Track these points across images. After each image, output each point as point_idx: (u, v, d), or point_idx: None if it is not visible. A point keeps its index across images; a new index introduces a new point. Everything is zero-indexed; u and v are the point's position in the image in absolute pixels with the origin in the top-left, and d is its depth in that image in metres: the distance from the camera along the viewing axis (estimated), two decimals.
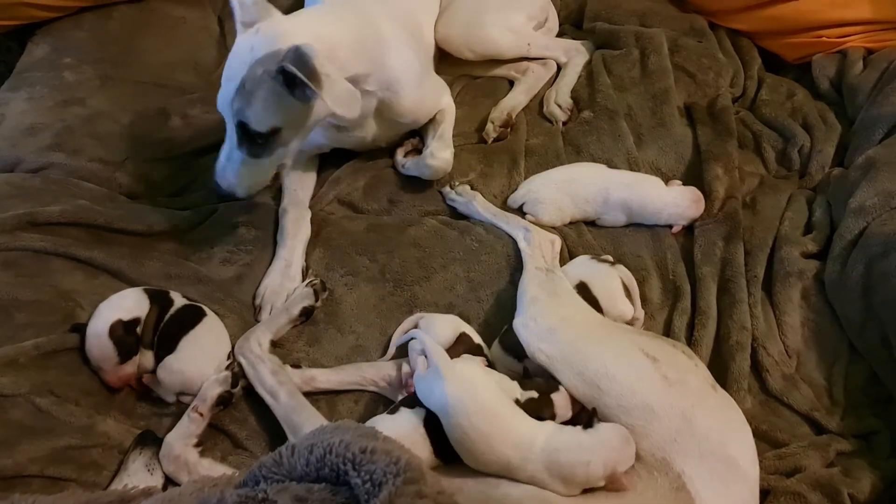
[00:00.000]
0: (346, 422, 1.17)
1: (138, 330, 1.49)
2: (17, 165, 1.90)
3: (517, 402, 1.34)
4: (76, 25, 2.27)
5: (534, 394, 1.36)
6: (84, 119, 2.00)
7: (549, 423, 1.31)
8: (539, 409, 1.33)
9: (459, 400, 1.29)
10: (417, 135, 2.00)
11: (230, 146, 1.62)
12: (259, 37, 1.54)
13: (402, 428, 1.33)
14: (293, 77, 1.46)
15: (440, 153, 1.87)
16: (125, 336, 1.47)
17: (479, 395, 1.30)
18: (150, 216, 1.78)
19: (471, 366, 1.41)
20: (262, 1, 1.60)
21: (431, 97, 1.95)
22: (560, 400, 1.35)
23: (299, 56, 1.46)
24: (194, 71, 2.23)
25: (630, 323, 1.62)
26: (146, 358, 1.52)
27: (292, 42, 1.48)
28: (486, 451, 1.26)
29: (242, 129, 1.57)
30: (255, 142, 1.58)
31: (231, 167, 1.62)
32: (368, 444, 0.96)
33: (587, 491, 1.26)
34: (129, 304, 1.52)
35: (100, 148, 1.95)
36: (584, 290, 1.59)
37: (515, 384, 1.38)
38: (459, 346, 1.54)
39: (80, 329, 1.51)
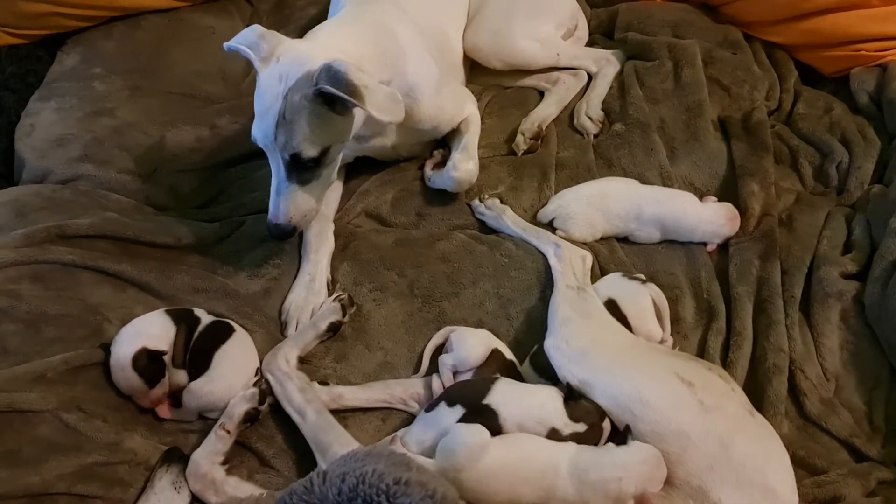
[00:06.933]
0: (378, 447, 1.16)
1: (166, 359, 1.48)
2: (47, 176, 1.92)
3: (554, 430, 1.31)
4: (106, 35, 2.28)
5: (582, 426, 1.32)
6: (113, 130, 2.01)
7: (569, 445, 1.30)
8: (585, 442, 1.31)
9: (468, 482, 1.25)
10: (447, 146, 1.98)
11: (278, 180, 1.58)
12: (284, 64, 1.52)
13: None
14: (332, 95, 1.45)
15: (463, 165, 1.85)
16: (149, 364, 1.46)
17: (484, 465, 1.26)
18: (178, 229, 1.78)
19: (466, 442, 1.29)
20: (268, 33, 1.58)
21: (452, 105, 1.92)
22: (607, 426, 1.34)
23: (333, 73, 1.45)
24: (222, 81, 2.24)
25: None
26: (179, 376, 1.51)
27: (320, 61, 1.47)
28: (514, 497, 1.25)
29: (294, 160, 1.54)
30: (306, 168, 1.56)
31: (285, 201, 1.58)
32: (402, 476, 0.95)
33: None
34: (154, 331, 1.50)
35: (129, 159, 1.97)
36: (613, 307, 1.57)
37: (557, 407, 1.35)
38: (492, 363, 1.52)
39: (109, 350, 1.50)
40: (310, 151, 1.53)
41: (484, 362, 1.52)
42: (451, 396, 1.40)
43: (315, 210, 1.66)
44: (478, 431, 1.30)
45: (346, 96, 1.43)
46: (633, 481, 1.22)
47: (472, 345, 1.54)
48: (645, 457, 1.26)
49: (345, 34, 1.65)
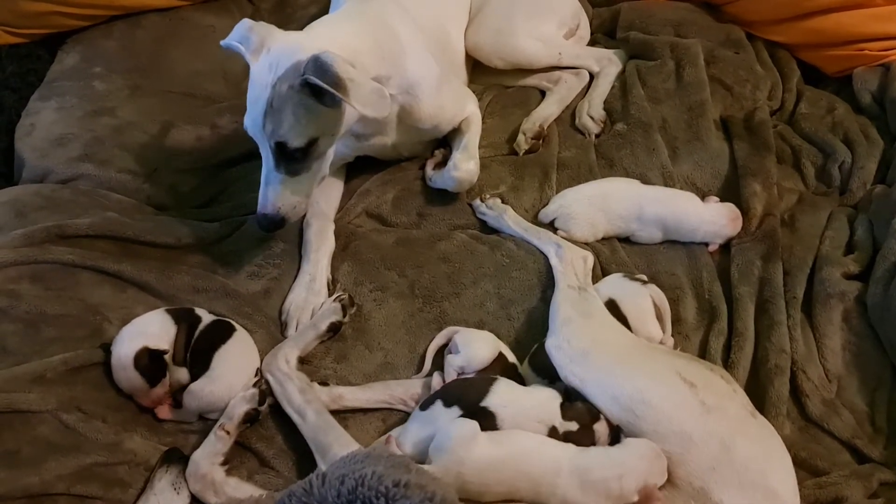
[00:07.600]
0: (378, 449, 1.15)
1: (167, 357, 1.48)
2: (47, 176, 1.91)
3: (554, 429, 1.31)
4: (106, 34, 2.28)
5: (574, 425, 1.33)
6: (113, 129, 2.01)
7: (570, 446, 1.30)
8: (577, 442, 1.31)
9: (469, 475, 1.25)
10: (447, 146, 1.97)
11: (268, 169, 1.59)
12: (274, 54, 1.52)
13: None
14: (317, 87, 1.45)
15: (464, 164, 1.84)
16: (151, 364, 1.46)
17: (484, 455, 1.26)
18: (178, 229, 1.77)
19: (457, 435, 1.29)
20: (257, 25, 1.58)
21: (452, 104, 1.91)
22: (602, 429, 1.33)
23: (320, 65, 1.44)
24: (223, 80, 2.23)
25: None
26: (180, 374, 1.51)
27: (311, 52, 1.47)
28: (512, 491, 1.25)
29: (280, 148, 1.54)
30: (294, 158, 1.56)
31: (273, 191, 1.58)
32: (402, 478, 0.95)
33: None
34: (155, 330, 1.50)
35: (129, 159, 1.96)
36: (613, 308, 1.56)
37: (556, 407, 1.35)
38: (495, 366, 1.52)
39: (109, 350, 1.50)
40: (296, 141, 1.53)
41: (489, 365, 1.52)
42: (448, 396, 1.39)
43: (304, 203, 1.65)
44: (466, 423, 1.30)
45: (329, 88, 1.43)
46: (634, 477, 1.22)
47: (479, 347, 1.54)
48: (641, 452, 1.26)
49: (342, 28, 1.65)
